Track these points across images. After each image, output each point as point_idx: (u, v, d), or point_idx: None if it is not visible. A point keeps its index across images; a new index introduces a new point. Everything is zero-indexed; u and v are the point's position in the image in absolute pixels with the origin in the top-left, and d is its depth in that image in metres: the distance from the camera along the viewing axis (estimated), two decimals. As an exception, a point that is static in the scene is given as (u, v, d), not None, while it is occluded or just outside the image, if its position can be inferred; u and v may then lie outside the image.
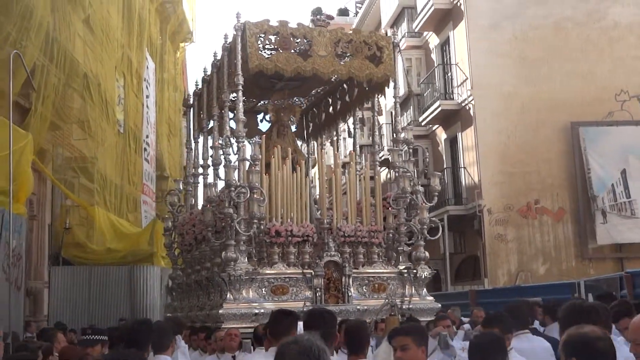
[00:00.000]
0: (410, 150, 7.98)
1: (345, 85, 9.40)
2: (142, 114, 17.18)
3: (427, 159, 7.77)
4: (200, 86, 10.18)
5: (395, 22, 23.18)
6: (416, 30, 21.50)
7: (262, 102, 10.27)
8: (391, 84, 8.59)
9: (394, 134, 8.30)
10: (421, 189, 7.84)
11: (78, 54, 14.60)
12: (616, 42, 18.93)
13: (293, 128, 10.11)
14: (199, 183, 10.24)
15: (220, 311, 7.14)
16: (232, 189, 7.24)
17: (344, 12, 28.21)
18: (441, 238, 18.83)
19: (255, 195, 7.25)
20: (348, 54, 8.05)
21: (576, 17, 19.02)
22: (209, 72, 9.61)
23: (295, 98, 10.11)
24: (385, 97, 9.50)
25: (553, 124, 18.33)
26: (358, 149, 9.67)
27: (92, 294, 14.77)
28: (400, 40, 22.10)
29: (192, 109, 10.94)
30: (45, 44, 12.73)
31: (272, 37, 7.80)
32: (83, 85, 14.74)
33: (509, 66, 18.47)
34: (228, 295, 7.20)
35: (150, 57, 18.00)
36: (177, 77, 21.52)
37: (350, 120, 10.33)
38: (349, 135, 10.20)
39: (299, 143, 10.41)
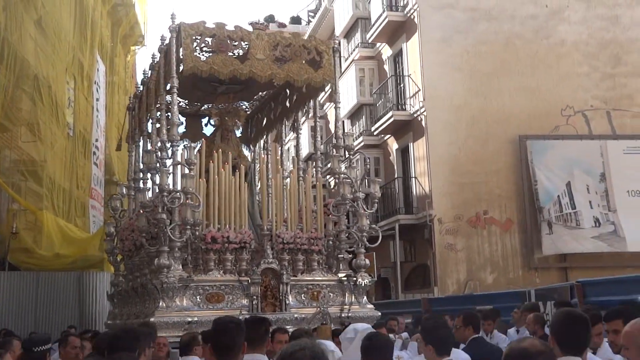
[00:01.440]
0: (353, 156, 7.70)
1: (287, 90, 9.09)
2: (92, 117, 16.66)
3: (368, 166, 7.50)
4: (141, 88, 9.79)
5: (348, 33, 23.10)
6: (369, 41, 21.41)
7: (206, 105, 9.91)
8: (339, 92, 8.33)
9: (335, 140, 8.03)
10: (362, 195, 7.55)
11: (29, 55, 14.08)
12: (563, 58, 19.17)
13: (239, 133, 9.77)
14: (140, 187, 9.82)
15: (152, 319, 6.74)
16: (165, 194, 6.86)
17: (296, 20, 27.76)
18: (392, 246, 18.84)
19: (189, 201, 6.88)
20: (287, 58, 7.74)
21: (525, 33, 19.19)
22: (149, 75, 9.22)
23: (240, 102, 9.76)
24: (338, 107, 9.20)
25: (502, 136, 18.41)
26: (302, 155, 9.37)
27: (39, 300, 14.23)
28: (354, 50, 22.28)
29: (132, 111, 10.52)
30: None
31: (209, 39, 7.48)
32: (33, 86, 14.22)
33: (460, 79, 18.52)
34: (160, 303, 6.82)
35: (101, 60, 17.48)
36: (128, 80, 20.99)
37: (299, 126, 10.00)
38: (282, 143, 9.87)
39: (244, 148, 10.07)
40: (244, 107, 9.91)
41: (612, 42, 19.43)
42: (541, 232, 18.00)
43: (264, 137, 9.91)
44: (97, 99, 17.02)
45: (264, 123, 9.88)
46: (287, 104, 9.15)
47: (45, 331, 11.99)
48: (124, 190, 10.33)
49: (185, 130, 10.13)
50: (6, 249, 14.45)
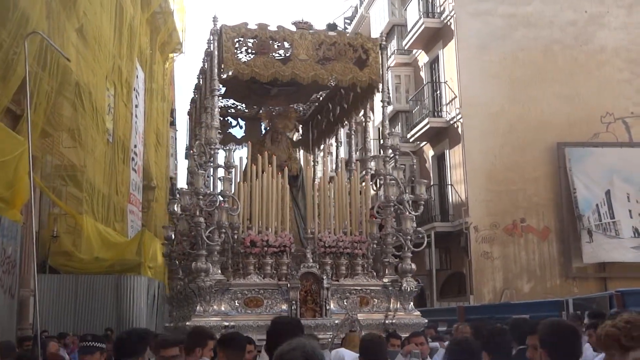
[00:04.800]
0: (397, 157, 7.31)
1: (342, 91, 8.78)
2: (131, 123, 16.62)
3: (415, 167, 7.13)
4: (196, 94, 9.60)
5: (385, 39, 22.49)
6: (406, 48, 21.16)
7: (262, 108, 9.68)
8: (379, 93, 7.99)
9: (381, 140, 7.65)
10: (407, 197, 7.14)
11: (71, 63, 14.00)
12: (603, 65, 18.66)
13: (297, 136, 9.55)
14: (183, 191, 9.52)
15: (188, 323, 6.48)
16: (201, 197, 6.56)
17: (332, 27, 27.48)
18: (427, 254, 18.44)
19: (226, 204, 6.59)
20: (332, 58, 7.41)
21: (564, 40, 18.73)
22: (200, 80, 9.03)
23: (296, 104, 9.50)
24: (372, 110, 8.86)
25: (540, 144, 17.97)
26: (354, 158, 9.03)
27: (78, 303, 14.20)
28: (390, 57, 21.90)
29: (190, 116, 10.32)
30: (39, 51, 12.14)
31: (251, 41, 7.22)
32: (75, 93, 14.16)
33: (498, 86, 18.12)
34: (198, 307, 6.52)
35: (140, 67, 17.41)
36: (166, 87, 20.93)
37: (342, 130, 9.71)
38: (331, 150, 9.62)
39: (302, 152, 9.82)
40: (298, 109, 9.65)
41: (653, 48, 18.82)
42: (581, 240, 17.49)
43: (325, 139, 9.60)
44: (136, 106, 16.99)
45: (324, 125, 9.58)
46: (345, 105, 8.78)
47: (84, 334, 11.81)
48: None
49: (244, 134, 9.95)
50: (47, 252, 14.40)
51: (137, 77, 17.02)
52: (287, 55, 7.41)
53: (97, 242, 14.73)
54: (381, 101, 7.89)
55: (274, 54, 7.41)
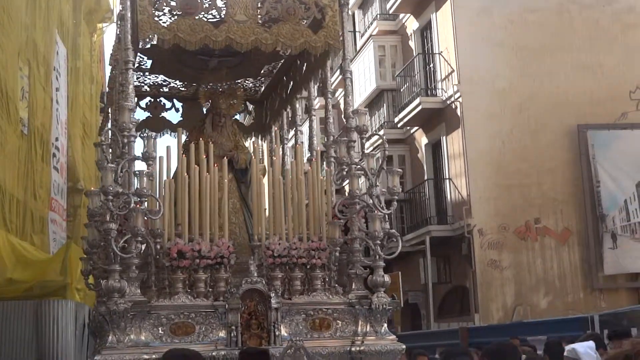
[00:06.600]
0: (364, 141, 7.12)
1: (299, 61, 8.65)
2: (51, 111, 16.28)
3: (387, 152, 6.92)
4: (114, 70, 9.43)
5: (364, 2, 22.93)
6: (390, 12, 21.22)
7: (203, 86, 9.53)
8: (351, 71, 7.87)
9: (344, 120, 7.48)
10: (378, 191, 6.94)
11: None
12: (631, 29, 18.91)
13: (250, 119, 9.48)
14: (90, 192, 9.29)
15: (97, 358, 6.20)
16: (110, 197, 6.33)
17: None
18: (422, 265, 18.45)
19: (141, 205, 6.37)
20: (278, 18, 7.25)
21: (583, -1, 18.89)
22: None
23: (246, 79, 9.36)
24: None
25: (556, 126, 18.20)
26: (315, 145, 8.84)
27: (-13, 336, 13.92)
28: (371, 23, 21.87)
29: (109, 98, 10.12)
30: None
31: (173, -2, 7.03)
32: (-23, 75, 13.89)
33: (504, 57, 18.30)
34: (110, 337, 6.26)
35: (61, 41, 17.14)
36: (94, 65, 20.64)
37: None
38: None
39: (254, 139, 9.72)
40: (247, 85, 9.43)
41: (690, 8, 19.09)
42: (603, 246, 17.74)
43: (278, 121, 9.48)
44: (57, 89, 16.68)
45: (277, 105, 9.38)
46: (298, 78, 8.66)
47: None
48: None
49: (182, 119, 9.67)
50: (-53, 275, 14.13)
51: (57, 53, 16.70)
52: (220, 16, 7.21)
53: (11, 260, 14.49)
54: (342, 71, 7.64)
55: (204, 14, 7.17)
